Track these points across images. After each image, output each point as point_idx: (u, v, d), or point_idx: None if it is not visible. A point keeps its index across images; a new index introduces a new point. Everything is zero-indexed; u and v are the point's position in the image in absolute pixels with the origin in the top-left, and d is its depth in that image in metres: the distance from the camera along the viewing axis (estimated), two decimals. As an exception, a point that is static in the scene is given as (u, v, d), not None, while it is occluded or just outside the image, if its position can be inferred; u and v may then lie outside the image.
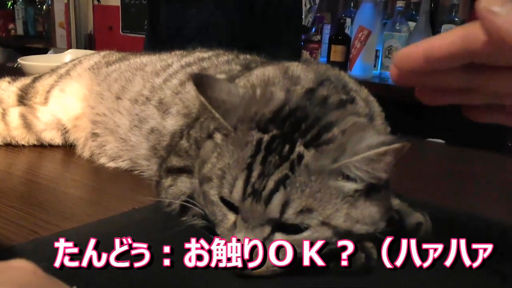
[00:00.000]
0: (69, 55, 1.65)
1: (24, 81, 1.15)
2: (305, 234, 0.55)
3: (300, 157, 0.54)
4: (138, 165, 0.92)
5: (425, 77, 0.47)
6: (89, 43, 3.29)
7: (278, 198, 0.54)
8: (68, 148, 1.06)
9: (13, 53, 4.15)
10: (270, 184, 0.54)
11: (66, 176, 0.92)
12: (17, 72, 1.53)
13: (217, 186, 0.57)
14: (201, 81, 0.59)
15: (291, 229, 0.55)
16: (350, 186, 0.55)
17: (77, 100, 1.03)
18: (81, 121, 1.02)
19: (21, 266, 0.36)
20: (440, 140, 2.51)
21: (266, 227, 0.55)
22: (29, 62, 1.51)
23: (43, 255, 0.54)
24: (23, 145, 1.05)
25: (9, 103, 1.11)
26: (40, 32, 4.07)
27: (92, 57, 1.15)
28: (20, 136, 1.05)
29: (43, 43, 3.92)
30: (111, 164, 0.97)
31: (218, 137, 0.59)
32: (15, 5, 4.13)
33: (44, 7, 4.01)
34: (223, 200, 0.58)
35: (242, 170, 0.55)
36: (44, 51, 3.84)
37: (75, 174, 0.94)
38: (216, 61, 0.96)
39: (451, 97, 0.51)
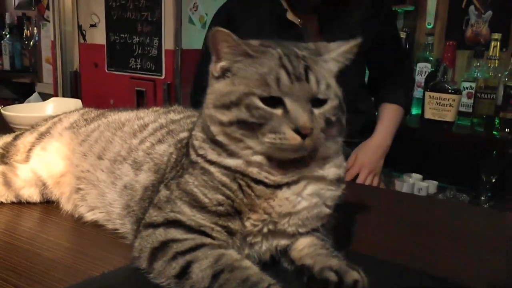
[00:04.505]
0: (51, 103, 1.70)
1: (5, 139, 1.20)
2: (327, 105, 0.78)
3: (304, 56, 0.79)
4: (112, 220, 0.97)
5: None
6: (75, 79, 3.34)
7: (313, 77, 0.77)
8: (45, 204, 1.11)
9: (-1, 88, 4.20)
10: (302, 71, 0.76)
11: (41, 237, 0.96)
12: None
13: (261, 90, 0.76)
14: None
15: (319, 104, 0.77)
16: (334, 68, 0.82)
17: (59, 159, 1.08)
18: (66, 178, 1.07)
19: None
20: (418, 175, 2.59)
21: (308, 104, 0.76)
22: (12, 112, 1.55)
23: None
24: (2, 203, 1.10)
25: (-10, 161, 1.15)
26: (27, 67, 4.13)
27: (72, 115, 1.20)
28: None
29: (29, 77, 3.98)
30: (89, 215, 1.01)
31: (235, 68, 0.79)
32: (2, 41, 4.19)
33: (31, 42, 4.08)
34: (265, 102, 0.75)
35: (280, 68, 0.76)
36: (31, 86, 3.91)
37: (50, 234, 0.98)
38: (183, 123, 1.03)
39: None
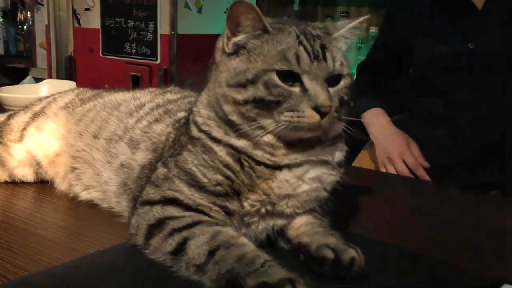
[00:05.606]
0: (46, 85, 1.68)
1: (-2, 118, 1.18)
2: (341, 84, 0.79)
3: (318, 34, 0.80)
4: (107, 198, 0.97)
5: None
6: (70, 64, 3.30)
7: (329, 56, 0.78)
8: (39, 184, 1.10)
9: (-7, 73, 4.17)
10: (319, 49, 0.77)
11: (37, 216, 0.95)
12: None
13: (281, 64, 0.75)
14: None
15: (333, 82, 0.78)
16: (343, 46, 0.83)
17: (55, 139, 1.07)
18: (61, 157, 1.06)
19: None
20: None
21: (325, 82, 0.76)
22: (5, 93, 1.54)
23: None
24: (-4, 182, 1.09)
25: (-16, 141, 1.14)
26: (21, 52, 4.09)
27: (67, 95, 1.19)
28: (-7, 173, 1.09)
29: (24, 63, 3.94)
30: (84, 194, 1.01)
31: (251, 45, 0.78)
32: (-4, 25, 4.15)
33: (25, 27, 4.04)
34: (283, 80, 0.75)
35: (299, 46, 0.76)
36: (25, 71, 3.87)
37: (45, 213, 0.97)
38: (180, 103, 1.02)
39: None
